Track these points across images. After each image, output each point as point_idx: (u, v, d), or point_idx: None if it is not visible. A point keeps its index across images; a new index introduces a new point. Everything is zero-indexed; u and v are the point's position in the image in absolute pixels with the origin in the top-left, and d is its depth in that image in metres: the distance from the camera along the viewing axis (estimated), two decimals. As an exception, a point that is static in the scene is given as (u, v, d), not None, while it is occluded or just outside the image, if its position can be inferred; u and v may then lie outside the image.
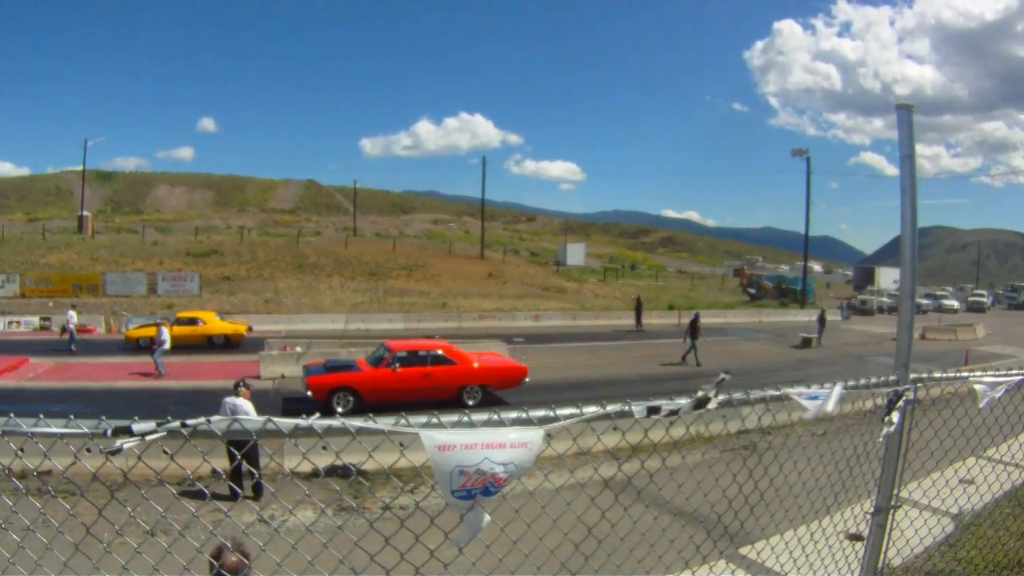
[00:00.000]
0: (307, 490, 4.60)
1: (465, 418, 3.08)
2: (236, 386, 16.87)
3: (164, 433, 2.93)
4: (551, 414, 3.20)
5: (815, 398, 4.13)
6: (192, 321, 42.35)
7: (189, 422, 2.97)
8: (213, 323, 43.92)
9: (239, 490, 14.95)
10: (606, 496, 4.58)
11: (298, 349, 35.13)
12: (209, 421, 2.99)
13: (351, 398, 25.30)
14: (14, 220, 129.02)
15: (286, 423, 3.01)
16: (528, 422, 3.16)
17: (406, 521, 3.63)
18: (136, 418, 2.95)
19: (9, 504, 3.69)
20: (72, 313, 42.59)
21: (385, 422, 3.02)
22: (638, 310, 56.65)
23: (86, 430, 2.94)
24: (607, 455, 4.14)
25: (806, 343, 45.87)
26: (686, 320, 54.77)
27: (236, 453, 12.40)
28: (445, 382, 25.74)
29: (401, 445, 3.31)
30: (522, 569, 4.34)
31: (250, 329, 46.56)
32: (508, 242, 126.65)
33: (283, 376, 31.61)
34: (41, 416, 2.97)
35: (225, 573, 4.21)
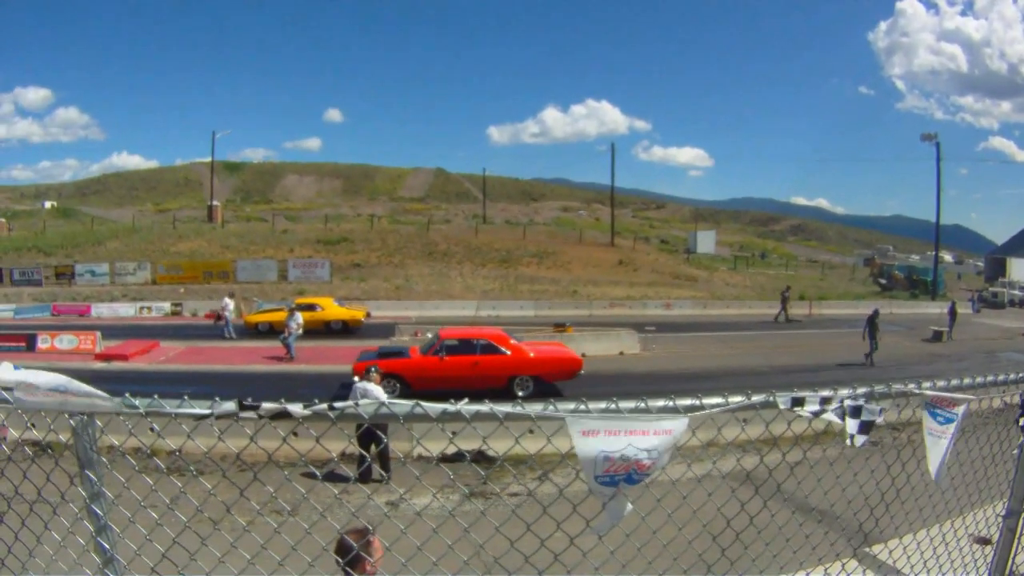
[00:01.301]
0: (432, 474, 4.49)
1: (612, 405, 2.98)
2: (367, 371, 16.96)
3: (310, 413, 2.94)
4: (696, 403, 3.08)
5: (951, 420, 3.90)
6: (311, 307, 42.76)
7: (337, 405, 2.99)
8: (331, 309, 44.52)
9: (368, 474, 15.08)
10: (744, 488, 4.45)
11: (428, 335, 35.18)
12: (357, 404, 2.99)
13: (397, 385, 25.36)
14: (144, 210, 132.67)
15: (434, 408, 2.97)
16: (674, 410, 3.04)
17: (548, 508, 3.56)
18: (283, 400, 2.97)
19: (150, 483, 3.67)
20: (229, 300, 43.02)
21: (533, 408, 2.96)
22: (784, 300, 55.26)
23: (233, 408, 2.96)
24: (733, 446, 3.97)
25: (937, 337, 44.51)
26: (817, 311, 53.75)
27: (378, 434, 12.62)
28: (494, 372, 25.47)
29: (530, 432, 3.24)
30: (659, 560, 4.22)
31: (368, 315, 47.21)
32: (638, 229, 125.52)
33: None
34: (185, 397, 3.02)
35: (343, 563, 4.13)
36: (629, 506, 3.08)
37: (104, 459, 3.33)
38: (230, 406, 2.94)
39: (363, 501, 7.71)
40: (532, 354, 26.07)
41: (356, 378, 23.71)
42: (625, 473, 2.94)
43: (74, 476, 3.32)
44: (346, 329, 42.85)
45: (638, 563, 4.02)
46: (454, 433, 3.39)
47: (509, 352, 25.74)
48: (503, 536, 3.66)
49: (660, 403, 3.05)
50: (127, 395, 3.09)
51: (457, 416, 2.96)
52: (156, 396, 3.06)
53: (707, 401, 3.10)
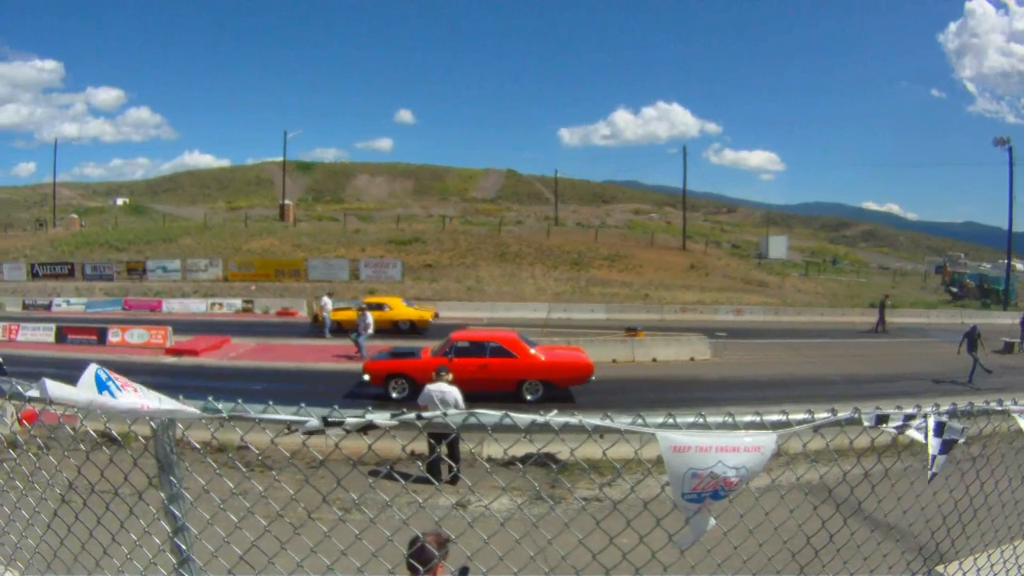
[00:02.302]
0: (500, 474, 4.46)
1: (700, 420, 2.95)
2: (438, 372, 16.95)
3: (397, 423, 2.95)
4: (783, 418, 3.03)
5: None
6: (379, 306, 42.72)
7: (424, 415, 2.99)
8: (399, 309, 44.63)
9: (437, 475, 15.12)
10: (814, 497, 4.38)
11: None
12: (445, 415, 2.97)
13: (406, 385, 25.72)
14: (216, 208, 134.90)
15: (522, 419, 2.95)
16: (761, 426, 3.01)
17: (615, 510, 3.52)
18: (369, 408, 2.98)
19: (232, 487, 3.68)
20: (327, 300, 43.21)
21: (622, 421, 2.91)
22: (883, 309, 53.72)
23: (315, 419, 2.96)
24: (803, 455, 3.92)
25: (1008, 348, 43.17)
26: (888, 319, 52.89)
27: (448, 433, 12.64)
28: (502, 375, 25.24)
29: (600, 436, 3.11)
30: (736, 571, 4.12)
31: (436, 315, 47.32)
32: (709, 233, 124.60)
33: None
34: (270, 403, 3.02)
35: (419, 563, 4.15)
36: (712, 521, 3.05)
37: (183, 459, 3.37)
38: (315, 423, 2.94)
39: (430, 499, 7.73)
40: (542, 358, 25.87)
41: (366, 376, 26.13)
42: (712, 490, 2.91)
43: (152, 477, 3.36)
44: (414, 329, 42.98)
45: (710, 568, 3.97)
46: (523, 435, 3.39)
47: (518, 356, 25.62)
48: (569, 537, 3.63)
49: (748, 418, 3.02)
50: (210, 399, 3.09)
51: (546, 427, 2.95)
52: (240, 401, 3.06)
53: (793, 417, 3.06)
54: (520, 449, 3.94)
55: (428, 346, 28.26)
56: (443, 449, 13.78)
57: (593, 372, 25.62)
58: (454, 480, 14.77)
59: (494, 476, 3.99)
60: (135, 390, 3.03)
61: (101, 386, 2.97)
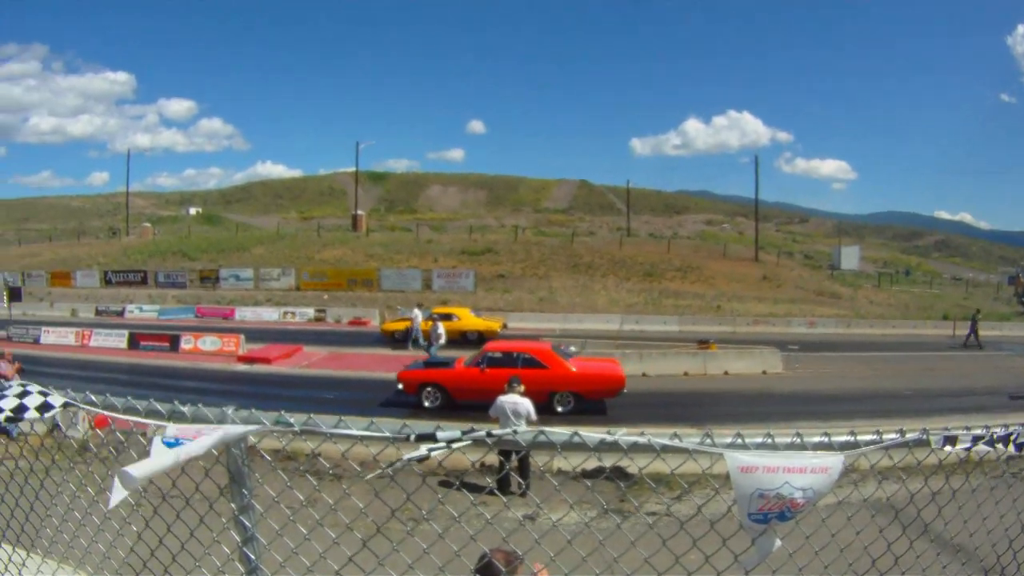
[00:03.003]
0: (569, 487, 4.45)
1: (768, 440, 2.93)
2: (511, 384, 17.00)
3: (469, 442, 2.96)
4: (851, 439, 2.99)
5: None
6: (447, 316, 42.79)
7: (495, 432, 3.00)
8: (467, 319, 44.64)
9: (506, 488, 15.08)
10: (882, 516, 4.32)
11: (572, 348, 35.14)
12: (515, 432, 3.01)
13: (439, 394, 26.04)
14: (288, 218, 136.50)
15: (591, 438, 2.94)
16: (829, 446, 2.97)
17: (685, 525, 3.46)
18: (439, 425, 3.00)
19: (301, 499, 3.73)
20: (418, 311, 42.45)
21: (690, 441, 2.93)
22: (974, 323, 51.68)
23: (388, 434, 3.00)
24: (874, 477, 3.86)
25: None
26: (961, 332, 51.99)
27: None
28: (533, 386, 23.52)
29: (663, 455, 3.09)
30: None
31: (504, 326, 47.39)
32: (781, 244, 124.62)
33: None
34: (341, 419, 3.06)
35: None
36: (778, 542, 3.01)
37: (253, 469, 3.40)
38: (422, 452, 2.97)
39: (499, 512, 7.73)
40: (574, 370, 25.67)
41: (400, 386, 26.38)
42: (778, 511, 2.89)
43: (223, 487, 3.40)
44: (482, 339, 42.28)
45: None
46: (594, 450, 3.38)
47: (549, 367, 25.45)
48: (636, 554, 3.61)
49: (815, 439, 2.98)
50: (282, 412, 3.14)
51: (614, 446, 2.94)
52: (311, 416, 3.10)
53: (862, 438, 3.01)
54: (589, 463, 3.92)
55: (462, 356, 28.40)
56: (513, 463, 13.84)
57: (625, 384, 25.51)
58: (523, 493, 14.82)
59: (562, 492, 4.00)
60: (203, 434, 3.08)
61: (172, 445, 3.04)
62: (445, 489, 11.51)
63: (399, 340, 42.35)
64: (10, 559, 5.02)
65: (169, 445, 3.03)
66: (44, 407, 3.44)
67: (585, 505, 12.75)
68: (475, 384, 25.22)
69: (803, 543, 3.66)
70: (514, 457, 14.73)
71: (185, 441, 3.02)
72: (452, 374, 26.27)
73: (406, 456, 2.97)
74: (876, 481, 3.83)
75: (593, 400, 25.55)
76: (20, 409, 3.44)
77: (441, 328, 35.42)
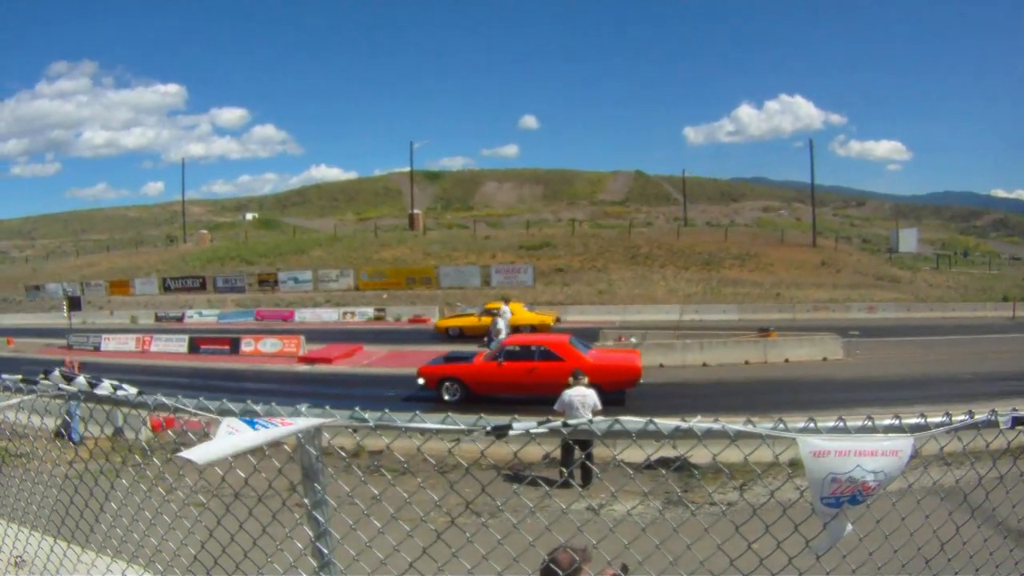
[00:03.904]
0: (632, 481, 4.43)
1: (840, 424, 2.91)
2: (575, 375, 17.03)
3: (546, 431, 2.97)
4: (921, 421, 2.98)
5: None
6: (496, 312, 42.44)
7: (571, 422, 3.01)
8: (520, 313, 44.42)
9: (569, 478, 15.07)
10: (947, 505, 4.27)
11: (632, 340, 35.48)
12: (591, 422, 3.01)
13: (458, 388, 26.39)
14: (345, 220, 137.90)
15: (666, 425, 2.96)
16: (899, 429, 2.96)
17: (750, 518, 3.47)
18: (516, 416, 3.03)
19: (375, 492, 3.75)
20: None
21: (763, 427, 2.93)
22: None
23: (463, 427, 3.02)
24: (941, 462, 3.81)
25: None
26: (1022, 313, 51.25)
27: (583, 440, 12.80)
28: (550, 378, 24.33)
29: (735, 445, 3.11)
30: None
31: (558, 320, 47.75)
32: (839, 228, 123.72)
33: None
34: (417, 413, 3.07)
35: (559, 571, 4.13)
36: (849, 526, 3.01)
37: (327, 465, 3.42)
38: (464, 426, 3.02)
39: (564, 506, 7.71)
40: (590, 362, 25.43)
41: (420, 380, 26.80)
42: (850, 495, 2.88)
43: (296, 483, 3.42)
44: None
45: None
46: (656, 442, 3.37)
47: (565, 359, 25.35)
48: (704, 542, 3.59)
49: (886, 421, 2.97)
50: (357, 408, 3.18)
51: (689, 433, 2.95)
52: (386, 410, 3.13)
53: (931, 420, 2.99)
54: (646, 454, 3.89)
55: (482, 351, 28.86)
56: (578, 454, 13.81)
57: (640, 376, 25.67)
58: (587, 484, 14.84)
59: (636, 480, 3.98)
60: (278, 421, 3.09)
61: (251, 424, 3.08)
62: (512, 483, 11.54)
63: (453, 336, 42.49)
64: (79, 559, 5.09)
65: (249, 423, 3.06)
66: (118, 388, 3.49)
67: (649, 497, 12.71)
68: (494, 378, 25.96)
69: (873, 527, 3.62)
70: (578, 449, 14.77)
71: (261, 424, 3.03)
72: (471, 368, 26.75)
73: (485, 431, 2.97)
74: (943, 466, 3.78)
75: (612, 391, 25.17)
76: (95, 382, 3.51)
77: (501, 323, 35.27)
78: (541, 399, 23.11)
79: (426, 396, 26.45)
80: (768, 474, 3.15)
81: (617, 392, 25.34)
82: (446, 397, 26.25)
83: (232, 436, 2.96)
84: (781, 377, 30.46)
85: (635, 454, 3.56)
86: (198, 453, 2.87)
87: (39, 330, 58.55)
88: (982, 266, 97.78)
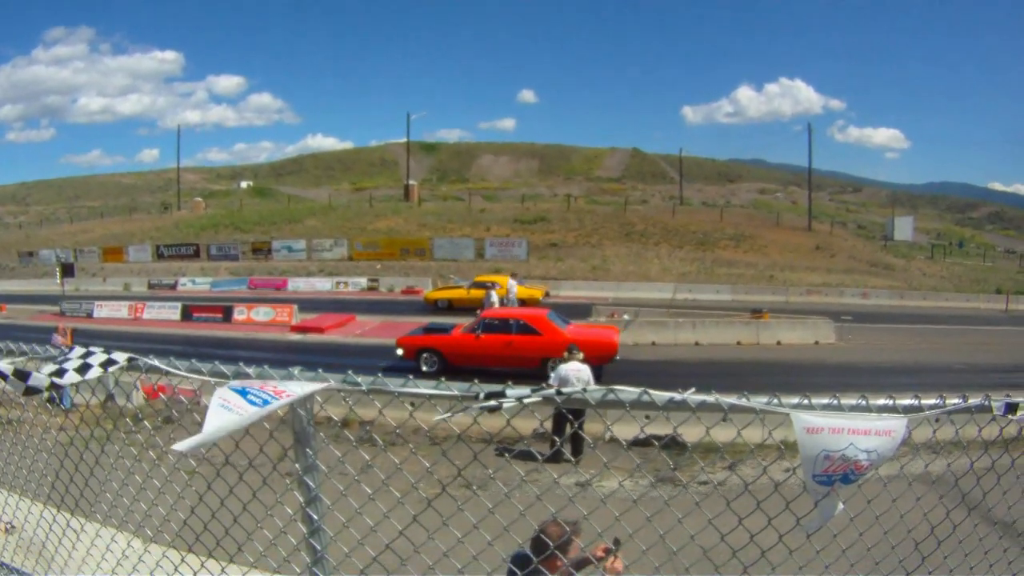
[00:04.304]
0: (622, 458, 4.46)
1: (834, 401, 2.93)
2: (570, 351, 17.08)
3: (539, 399, 2.96)
4: (915, 403, 2.99)
5: None
6: (487, 285, 42.05)
7: (564, 390, 3.03)
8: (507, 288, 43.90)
9: (558, 454, 15.16)
10: (933, 493, 4.28)
11: (626, 317, 35.54)
12: (585, 391, 3.00)
13: (436, 359, 26.77)
14: (340, 189, 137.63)
15: (660, 396, 2.95)
16: (893, 409, 2.96)
17: (736, 498, 3.44)
18: (510, 383, 3.03)
19: (367, 458, 3.75)
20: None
21: (757, 401, 2.94)
22: None
23: (456, 393, 3.04)
24: (931, 448, 3.82)
25: None
26: (1014, 306, 51.36)
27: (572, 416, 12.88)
28: (526, 352, 25.79)
29: (723, 421, 3.14)
30: (862, 563, 4.09)
31: (547, 294, 47.64)
32: (835, 213, 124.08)
33: (610, 343, 31.68)
34: (410, 377, 3.10)
35: (548, 542, 4.15)
36: (840, 506, 3.02)
37: (318, 431, 3.43)
38: (457, 392, 3.03)
39: (556, 477, 7.76)
40: (567, 336, 25.58)
41: (399, 351, 27.33)
42: (842, 473, 2.89)
43: (288, 448, 3.42)
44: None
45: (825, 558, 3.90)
46: (647, 418, 3.36)
47: (543, 333, 25.95)
48: (693, 520, 3.59)
49: (880, 401, 2.97)
50: (350, 372, 3.18)
51: (683, 405, 2.95)
52: (379, 374, 3.14)
53: (925, 402, 3.01)
54: (636, 430, 3.89)
55: (461, 323, 28.88)
56: (568, 429, 13.87)
57: (617, 351, 25.89)
58: (578, 456, 15.08)
59: (629, 454, 4.00)
60: (271, 388, 3.08)
61: (243, 393, 3.05)
62: (500, 458, 11.58)
63: (442, 308, 42.68)
64: (68, 524, 5.09)
65: (241, 393, 3.04)
66: (109, 363, 3.47)
67: (637, 475, 12.74)
68: (470, 350, 26.33)
69: (864, 507, 3.63)
70: (572, 422, 14.86)
71: (254, 394, 3.02)
72: (449, 340, 27.13)
73: (477, 406, 2.98)
74: (933, 453, 3.80)
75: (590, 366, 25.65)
76: (84, 368, 3.48)
77: (495, 296, 35.58)
78: (517, 372, 24.35)
79: (410, 367, 26.36)
80: (759, 453, 3.11)
81: (594, 367, 25.02)
82: (424, 368, 26.63)
83: (223, 415, 2.93)
84: (773, 359, 30.56)
85: (626, 431, 3.59)
86: (189, 444, 2.84)
87: (32, 296, 58.92)
88: (976, 258, 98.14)
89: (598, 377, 24.33)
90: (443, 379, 3.09)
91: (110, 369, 3.46)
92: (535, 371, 25.21)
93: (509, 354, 25.74)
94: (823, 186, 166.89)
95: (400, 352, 27.19)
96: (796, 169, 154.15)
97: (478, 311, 34.34)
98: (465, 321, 29.36)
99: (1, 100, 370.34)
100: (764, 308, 39.35)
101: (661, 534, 3.56)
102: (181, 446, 2.81)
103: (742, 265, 68.69)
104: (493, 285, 41.38)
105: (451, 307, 42.79)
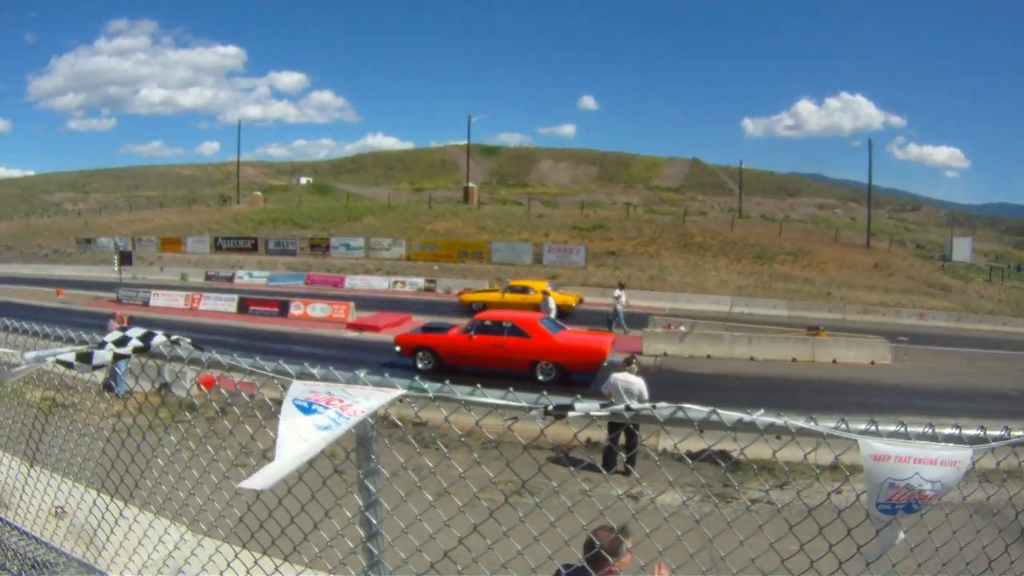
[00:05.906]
0: (675, 470, 4.42)
1: (900, 428, 2.89)
2: (627, 361, 16.97)
3: (607, 414, 2.97)
4: (981, 433, 2.94)
5: None
6: (523, 289, 43.82)
7: (633, 406, 3.00)
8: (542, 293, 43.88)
9: (612, 463, 15.11)
10: (997, 524, 4.20)
11: (682, 328, 35.49)
12: (654, 407, 2.99)
13: (431, 357, 27.25)
14: (399, 189, 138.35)
15: (729, 416, 2.93)
16: (959, 439, 2.93)
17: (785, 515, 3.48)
18: (579, 396, 3.02)
19: (431, 465, 3.79)
20: (621, 292, 40.02)
21: (825, 426, 2.90)
22: None
23: (524, 404, 3.03)
24: (984, 478, 3.76)
25: None
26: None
27: (629, 426, 12.76)
28: (517, 354, 26.10)
29: (777, 439, 3.09)
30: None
31: (581, 301, 47.80)
32: (893, 232, 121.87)
33: (665, 354, 32.03)
34: (478, 386, 3.08)
35: (602, 550, 4.13)
36: (902, 535, 3.00)
37: (383, 435, 3.41)
38: (524, 403, 3.02)
39: (597, 487, 7.74)
40: (558, 341, 26.30)
41: (397, 348, 27.98)
42: (906, 502, 2.86)
43: (350, 451, 3.41)
44: (559, 314, 42.51)
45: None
46: (701, 432, 3.34)
47: (533, 337, 26.21)
48: (747, 539, 3.55)
49: (947, 431, 2.94)
50: (416, 379, 3.21)
51: (751, 427, 2.93)
52: (447, 382, 3.15)
53: (991, 433, 2.94)
54: (694, 444, 3.86)
55: (458, 324, 29.48)
56: (621, 439, 13.81)
57: (605, 359, 25.62)
58: (627, 471, 14.71)
59: (687, 471, 3.97)
60: (338, 400, 3.03)
61: (307, 411, 2.98)
62: (557, 466, 11.54)
63: (476, 311, 42.31)
64: (121, 514, 5.10)
65: (302, 410, 2.97)
66: (176, 343, 3.51)
67: (690, 487, 12.66)
68: (463, 350, 26.80)
69: (925, 538, 3.56)
70: (622, 433, 14.73)
71: (318, 408, 2.95)
72: (443, 339, 27.57)
73: (543, 414, 2.97)
74: (998, 483, 3.72)
75: (577, 372, 25.97)
76: (148, 337, 3.60)
77: (552, 302, 35.93)
78: (508, 373, 24.48)
79: (406, 364, 26.99)
80: (822, 476, 3.06)
81: (582, 374, 25.81)
82: (420, 365, 27.12)
83: (295, 445, 2.81)
84: (828, 377, 30.25)
85: (682, 445, 3.54)
86: (261, 478, 2.67)
87: (89, 283, 59.40)
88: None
89: (587, 384, 25.10)
90: (510, 389, 3.06)
91: (172, 338, 3.49)
92: (525, 374, 25.58)
93: (499, 355, 26.10)
94: (882, 203, 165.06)
95: (398, 349, 27.80)
96: (855, 185, 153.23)
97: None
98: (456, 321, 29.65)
99: (64, 89, 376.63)
100: (820, 325, 39.18)
101: (723, 555, 3.50)
102: (251, 482, 2.66)
103: (799, 280, 68.19)
104: (526, 290, 42.79)
105: (485, 308, 42.29)
